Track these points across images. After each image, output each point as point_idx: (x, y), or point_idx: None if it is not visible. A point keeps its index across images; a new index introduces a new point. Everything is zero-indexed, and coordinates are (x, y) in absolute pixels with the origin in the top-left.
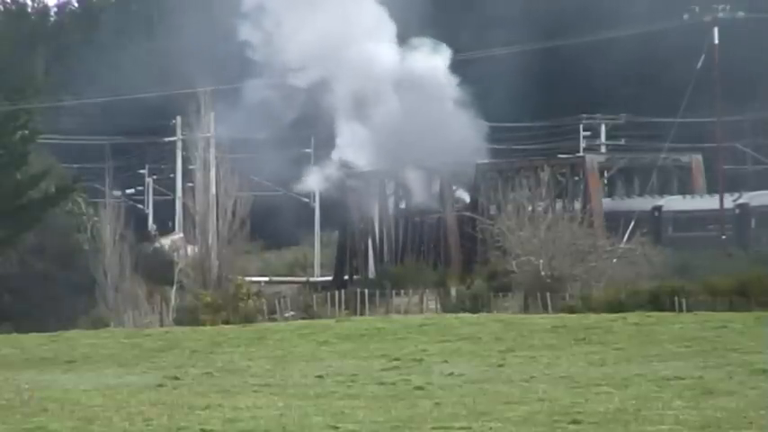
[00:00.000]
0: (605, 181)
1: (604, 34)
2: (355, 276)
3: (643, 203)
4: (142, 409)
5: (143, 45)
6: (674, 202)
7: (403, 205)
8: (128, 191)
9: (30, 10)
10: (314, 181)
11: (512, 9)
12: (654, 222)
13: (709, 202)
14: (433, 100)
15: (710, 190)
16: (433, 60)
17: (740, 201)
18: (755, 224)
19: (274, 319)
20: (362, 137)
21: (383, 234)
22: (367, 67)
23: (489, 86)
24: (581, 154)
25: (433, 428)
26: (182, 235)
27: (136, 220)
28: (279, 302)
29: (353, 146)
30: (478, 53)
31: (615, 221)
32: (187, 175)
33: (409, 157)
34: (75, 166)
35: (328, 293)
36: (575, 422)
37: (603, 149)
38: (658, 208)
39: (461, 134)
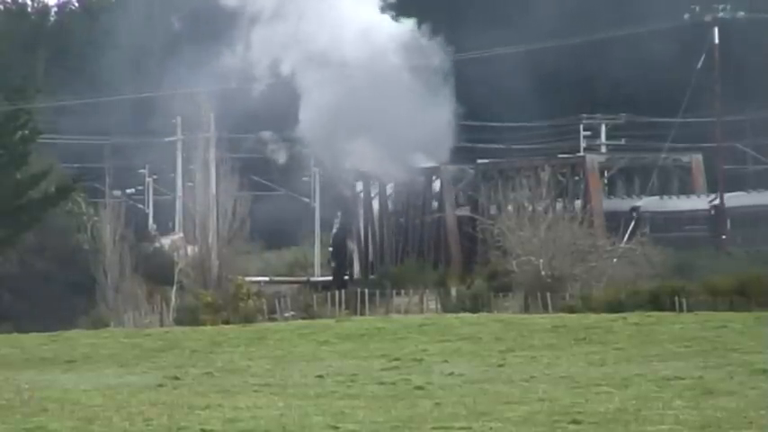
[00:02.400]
0: (605, 181)
1: (605, 34)
2: (356, 276)
3: (621, 204)
4: (142, 409)
5: (141, 45)
6: (651, 203)
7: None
8: (128, 191)
9: (30, 10)
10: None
11: (513, 9)
12: (631, 223)
13: (685, 203)
14: (389, 89)
15: (711, 190)
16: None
17: (715, 202)
18: (730, 225)
19: (274, 319)
20: (318, 114)
21: (383, 233)
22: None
23: (490, 86)
24: (581, 154)
25: (434, 428)
26: (182, 235)
27: (136, 220)
28: (279, 302)
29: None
30: (479, 53)
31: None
32: (187, 174)
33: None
34: (75, 165)
35: (328, 293)
36: (575, 422)
37: (604, 149)
38: (636, 209)
39: (421, 127)
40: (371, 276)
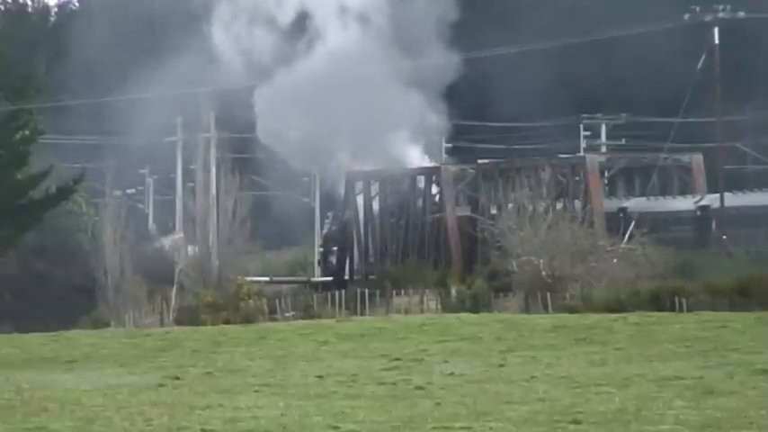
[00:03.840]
0: (606, 181)
1: (605, 34)
2: (356, 276)
3: (608, 205)
4: (143, 409)
5: (143, 45)
6: (638, 204)
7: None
8: (128, 191)
9: (30, 10)
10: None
11: (513, 9)
12: (619, 223)
13: (671, 204)
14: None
15: (711, 189)
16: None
17: (701, 203)
18: (716, 226)
19: (275, 319)
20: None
21: (384, 233)
22: None
23: (490, 86)
24: (581, 154)
25: (434, 428)
26: (182, 235)
27: (136, 220)
28: (279, 302)
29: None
30: (479, 53)
31: None
32: (188, 174)
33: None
34: (75, 165)
35: (329, 293)
36: (575, 422)
37: (604, 149)
38: (623, 209)
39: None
40: (371, 276)
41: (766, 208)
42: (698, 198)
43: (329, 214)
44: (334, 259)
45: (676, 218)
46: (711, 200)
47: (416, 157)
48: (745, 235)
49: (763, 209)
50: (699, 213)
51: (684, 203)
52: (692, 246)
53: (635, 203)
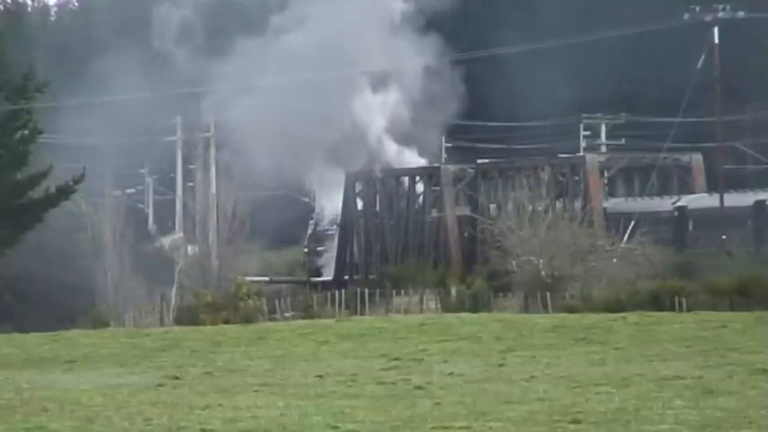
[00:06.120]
0: (605, 181)
1: (605, 34)
2: (356, 276)
3: None
4: (142, 409)
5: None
6: (617, 204)
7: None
8: (128, 191)
9: (30, 10)
10: None
11: (513, 9)
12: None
13: (650, 204)
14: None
15: (710, 189)
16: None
17: (678, 204)
18: (693, 226)
19: (274, 319)
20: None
21: (383, 233)
22: None
23: (490, 86)
24: (581, 154)
25: (433, 428)
26: (182, 234)
27: (136, 219)
28: (279, 302)
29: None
30: (480, 52)
31: None
32: (187, 174)
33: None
34: (75, 165)
35: (328, 293)
36: (575, 422)
37: (604, 149)
38: (603, 210)
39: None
40: (371, 276)
41: (741, 208)
42: (675, 199)
43: (312, 215)
44: (317, 259)
45: (654, 218)
46: (688, 200)
47: (379, 105)
48: (728, 235)
49: (740, 209)
50: (676, 214)
51: (662, 204)
52: (670, 246)
53: (613, 204)
